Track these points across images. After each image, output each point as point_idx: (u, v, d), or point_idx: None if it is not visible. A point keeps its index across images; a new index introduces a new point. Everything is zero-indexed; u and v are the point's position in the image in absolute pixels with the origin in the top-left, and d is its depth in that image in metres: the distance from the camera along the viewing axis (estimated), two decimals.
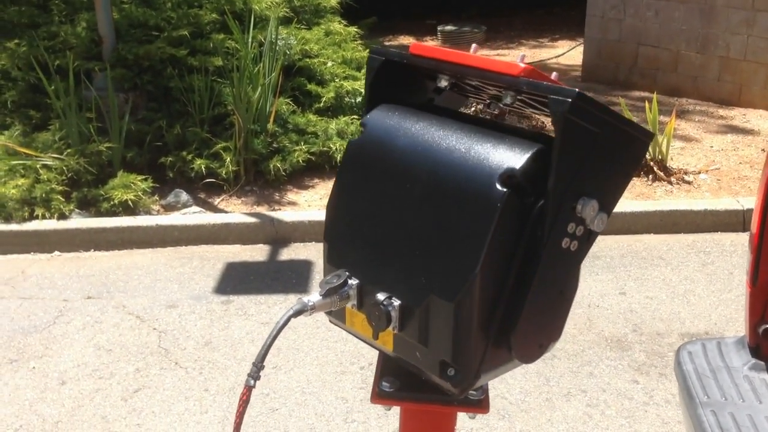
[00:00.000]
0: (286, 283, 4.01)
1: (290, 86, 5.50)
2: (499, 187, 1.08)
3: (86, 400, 3.05)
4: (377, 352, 1.32)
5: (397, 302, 1.15)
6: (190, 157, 4.94)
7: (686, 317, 3.61)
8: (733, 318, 3.60)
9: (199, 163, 4.88)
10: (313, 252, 4.35)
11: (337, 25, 6.28)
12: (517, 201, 1.09)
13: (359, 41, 6.33)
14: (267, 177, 5.01)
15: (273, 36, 5.21)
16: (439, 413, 1.31)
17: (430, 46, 1.25)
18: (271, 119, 5.06)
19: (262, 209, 4.77)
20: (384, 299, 1.15)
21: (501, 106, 1.26)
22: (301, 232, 4.53)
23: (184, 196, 4.79)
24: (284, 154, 5.05)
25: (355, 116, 5.49)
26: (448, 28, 9.49)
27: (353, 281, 1.21)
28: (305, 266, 4.21)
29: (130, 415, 2.95)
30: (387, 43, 8.49)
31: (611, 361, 3.26)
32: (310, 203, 4.86)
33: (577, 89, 1.08)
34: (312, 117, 5.34)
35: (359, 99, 5.60)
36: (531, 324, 1.14)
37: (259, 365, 1.16)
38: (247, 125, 4.90)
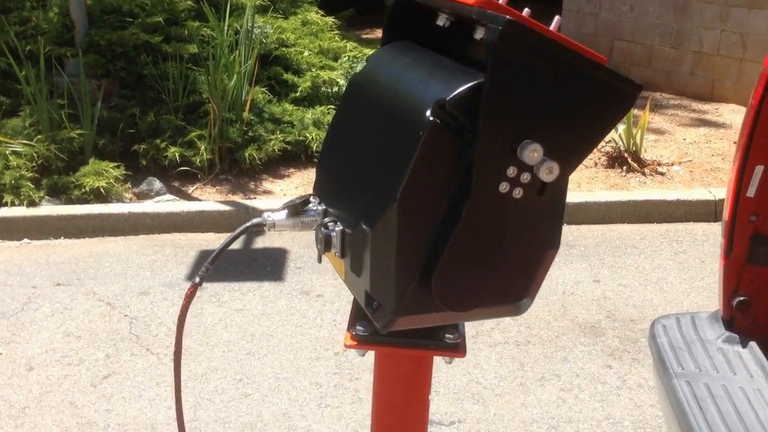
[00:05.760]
0: (260, 270, 3.98)
1: (266, 75, 5.46)
2: (427, 115, 1.01)
3: (54, 386, 3.00)
4: None
5: (339, 227, 1.13)
6: (163, 145, 4.88)
7: (659, 304, 3.64)
8: (704, 305, 3.63)
9: (173, 151, 4.82)
10: (287, 240, 4.31)
11: (314, 15, 6.25)
12: (449, 134, 1.03)
13: (336, 32, 6.30)
14: (242, 166, 4.97)
15: (249, 24, 5.16)
16: (415, 357, 1.25)
17: None
18: (247, 108, 5.02)
19: (237, 198, 4.73)
20: (328, 222, 1.14)
21: None
22: None
23: (158, 184, 4.73)
24: (260, 143, 5.01)
25: (332, 106, 5.45)
26: None
27: (320, 207, 1.19)
28: (280, 254, 4.18)
29: (99, 401, 2.91)
30: (364, 36, 8.46)
31: (585, 347, 3.28)
32: (286, 192, 4.82)
33: (509, 16, 0.98)
34: (288, 106, 5.31)
35: (336, 89, 5.57)
36: (457, 269, 1.06)
37: (207, 267, 1.22)
38: (222, 113, 4.85)
